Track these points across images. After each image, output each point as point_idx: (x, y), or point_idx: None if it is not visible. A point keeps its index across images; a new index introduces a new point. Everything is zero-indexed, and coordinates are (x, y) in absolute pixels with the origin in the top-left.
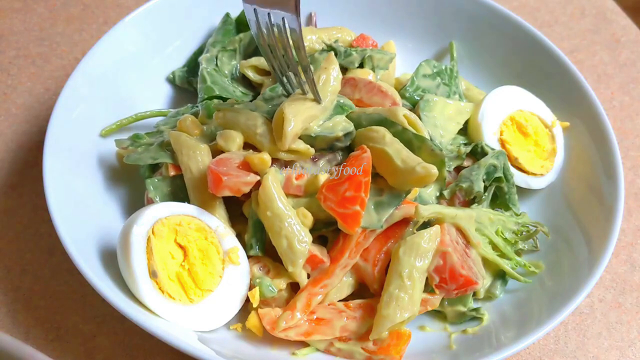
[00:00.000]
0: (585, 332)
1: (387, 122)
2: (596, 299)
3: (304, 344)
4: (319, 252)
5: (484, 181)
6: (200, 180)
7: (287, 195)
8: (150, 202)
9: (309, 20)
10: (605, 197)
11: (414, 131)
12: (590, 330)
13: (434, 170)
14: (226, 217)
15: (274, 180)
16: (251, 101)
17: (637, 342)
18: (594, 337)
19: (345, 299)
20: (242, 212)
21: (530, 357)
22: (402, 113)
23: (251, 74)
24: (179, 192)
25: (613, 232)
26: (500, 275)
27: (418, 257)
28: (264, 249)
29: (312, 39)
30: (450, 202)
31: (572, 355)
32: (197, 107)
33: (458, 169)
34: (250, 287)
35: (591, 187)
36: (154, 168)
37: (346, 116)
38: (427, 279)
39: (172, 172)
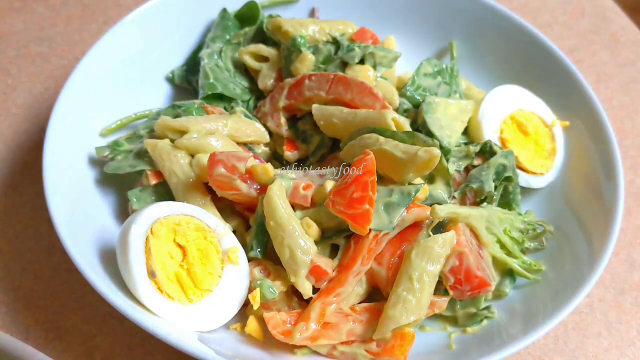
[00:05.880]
0: (585, 332)
1: (377, 130)
2: (596, 299)
3: None
4: (323, 263)
5: (494, 181)
6: (188, 182)
7: (294, 205)
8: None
9: (312, 15)
10: (605, 197)
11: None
12: (590, 330)
13: (436, 151)
14: (220, 217)
15: (278, 190)
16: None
17: (637, 342)
18: (594, 337)
19: None
20: (234, 210)
21: (530, 356)
22: (391, 116)
23: (249, 61)
24: (163, 200)
25: (613, 231)
26: (508, 273)
27: (430, 261)
28: (265, 252)
29: (314, 30)
30: (462, 203)
31: (572, 355)
32: (178, 107)
33: (467, 168)
34: (250, 290)
35: (591, 187)
36: (141, 173)
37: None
38: (437, 282)
39: (153, 181)
